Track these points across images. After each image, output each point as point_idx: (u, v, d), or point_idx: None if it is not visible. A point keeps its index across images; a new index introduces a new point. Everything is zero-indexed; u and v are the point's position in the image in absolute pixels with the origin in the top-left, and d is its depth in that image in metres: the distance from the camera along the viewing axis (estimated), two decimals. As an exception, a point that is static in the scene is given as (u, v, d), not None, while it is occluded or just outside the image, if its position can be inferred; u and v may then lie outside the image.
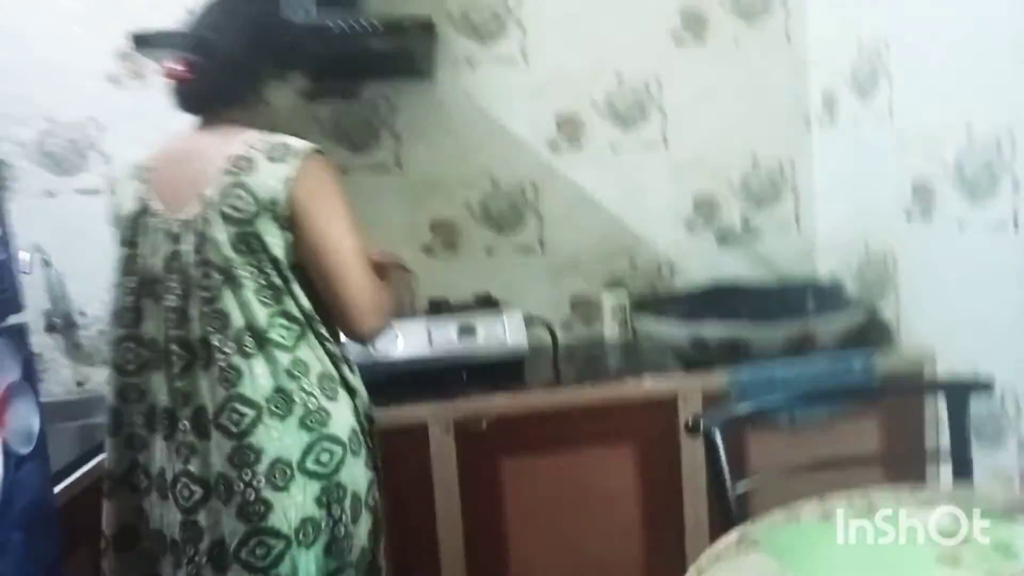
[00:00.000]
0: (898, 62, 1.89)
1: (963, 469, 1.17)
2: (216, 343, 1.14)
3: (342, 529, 1.18)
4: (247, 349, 1.14)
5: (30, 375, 0.95)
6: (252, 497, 1.11)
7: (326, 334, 1.23)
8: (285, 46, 1.33)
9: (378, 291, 1.27)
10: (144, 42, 1.66)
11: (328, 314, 1.24)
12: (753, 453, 1.71)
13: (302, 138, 1.23)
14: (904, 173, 1.90)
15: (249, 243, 1.15)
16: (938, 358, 1.83)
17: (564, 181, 2.24)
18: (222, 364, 1.14)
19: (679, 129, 2.26)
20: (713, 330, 1.88)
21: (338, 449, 1.18)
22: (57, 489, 1.31)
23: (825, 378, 1.75)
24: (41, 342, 2.02)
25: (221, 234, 1.15)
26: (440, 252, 2.20)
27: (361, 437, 1.23)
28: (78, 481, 1.42)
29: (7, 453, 0.88)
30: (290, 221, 1.17)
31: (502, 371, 1.80)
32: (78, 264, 2.03)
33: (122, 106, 2.04)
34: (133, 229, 1.24)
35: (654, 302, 2.18)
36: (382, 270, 1.38)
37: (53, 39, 1.99)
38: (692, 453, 1.74)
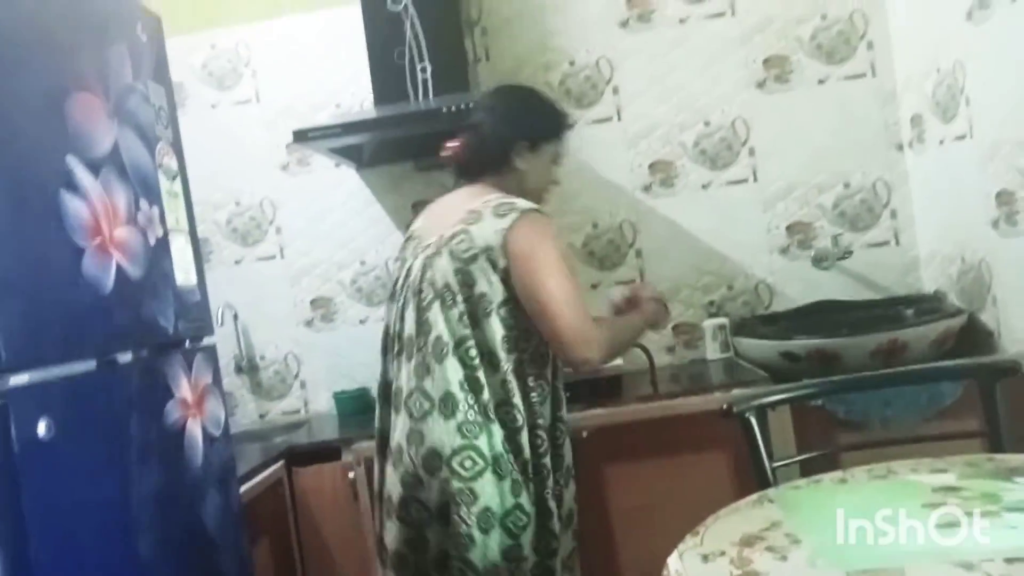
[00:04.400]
0: (973, 84, 1.97)
1: (997, 447, 1.25)
2: (420, 343, 1.41)
3: (465, 533, 1.33)
4: (440, 354, 1.38)
5: (218, 381, 1.34)
6: (411, 470, 1.38)
7: (512, 369, 1.39)
8: (538, 123, 1.57)
9: (589, 327, 1.42)
10: (302, 137, 2.09)
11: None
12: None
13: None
14: (988, 185, 1.96)
15: (465, 279, 1.39)
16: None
17: (660, 219, 2.46)
18: (417, 360, 1.41)
19: (767, 164, 2.42)
20: (802, 344, 2.01)
21: (481, 462, 1.35)
22: (244, 488, 1.71)
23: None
24: (231, 382, 2.52)
25: (447, 265, 1.40)
26: (550, 290, 2.48)
27: (509, 464, 1.37)
28: (261, 483, 1.83)
29: (205, 432, 1.26)
30: (505, 265, 1.38)
31: (601, 388, 2.03)
32: (259, 318, 2.53)
33: (290, 187, 2.53)
34: (403, 247, 1.58)
35: (752, 323, 2.33)
36: (631, 304, 1.65)
37: (238, 139, 2.53)
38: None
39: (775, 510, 1.06)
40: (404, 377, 1.44)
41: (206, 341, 1.34)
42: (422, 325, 1.41)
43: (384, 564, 1.50)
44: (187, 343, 1.27)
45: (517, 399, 1.39)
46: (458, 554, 1.36)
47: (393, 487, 1.43)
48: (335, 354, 2.53)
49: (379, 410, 1.53)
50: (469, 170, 1.55)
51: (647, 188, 2.47)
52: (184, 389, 1.21)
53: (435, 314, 1.40)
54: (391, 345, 1.51)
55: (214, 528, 1.25)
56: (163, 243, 1.21)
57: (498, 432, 1.38)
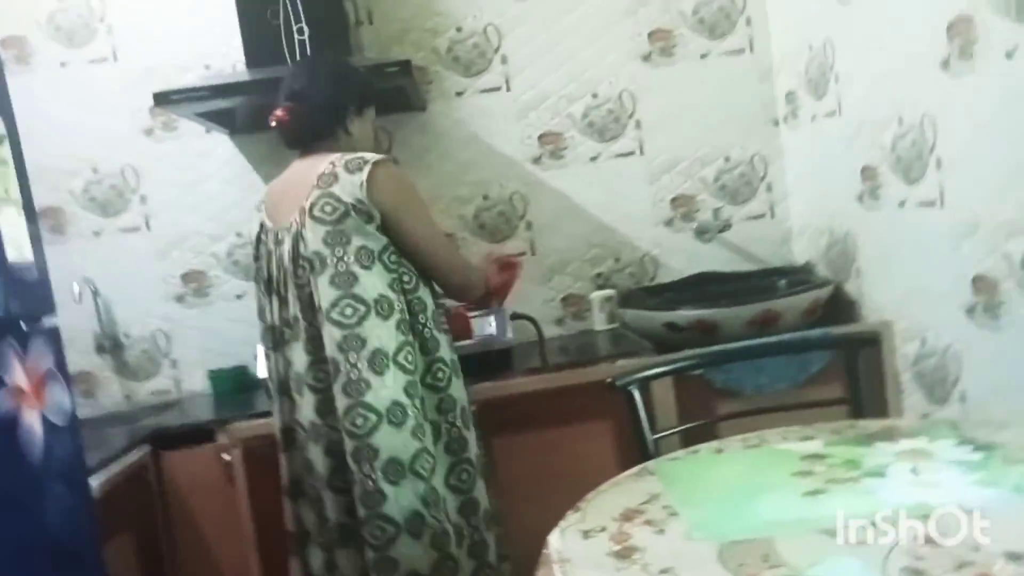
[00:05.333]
0: (842, 63, 2.05)
1: (859, 413, 1.32)
2: (309, 318, 1.44)
3: (373, 489, 1.39)
4: (323, 320, 1.41)
5: (62, 365, 1.22)
6: (336, 437, 1.44)
7: (405, 308, 1.46)
8: (359, 89, 1.62)
9: (471, 270, 1.63)
10: (164, 99, 1.94)
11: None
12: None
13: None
14: (854, 161, 2.05)
15: (338, 239, 1.41)
16: (895, 327, 1.97)
17: (550, 192, 2.45)
18: (310, 334, 1.44)
19: (654, 138, 2.45)
20: (684, 316, 2.06)
21: (372, 417, 1.40)
22: (102, 477, 1.59)
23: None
24: (93, 362, 2.33)
25: (311, 233, 1.42)
26: (439, 263, 2.43)
27: (408, 411, 1.42)
28: (122, 470, 1.69)
29: (46, 423, 1.14)
30: (379, 218, 1.43)
31: (491, 361, 2.01)
32: (122, 293, 2.34)
33: (155, 154, 2.34)
34: (256, 247, 1.58)
35: (638, 295, 2.36)
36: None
37: (93, 101, 2.31)
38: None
39: (655, 482, 1.07)
40: (298, 359, 1.46)
41: (46, 322, 1.21)
42: (307, 300, 1.44)
43: (301, 548, 1.55)
44: (21, 325, 1.14)
45: (411, 338, 1.45)
46: (373, 511, 1.40)
47: (320, 463, 1.46)
48: (210, 331, 2.38)
49: (277, 406, 1.55)
50: (301, 138, 1.56)
51: (537, 160, 2.45)
52: (17, 376, 1.09)
53: (314, 284, 1.43)
54: (279, 337, 1.52)
55: (59, 528, 1.14)
56: (-13, 215, 1.07)
57: (393, 381, 1.41)
